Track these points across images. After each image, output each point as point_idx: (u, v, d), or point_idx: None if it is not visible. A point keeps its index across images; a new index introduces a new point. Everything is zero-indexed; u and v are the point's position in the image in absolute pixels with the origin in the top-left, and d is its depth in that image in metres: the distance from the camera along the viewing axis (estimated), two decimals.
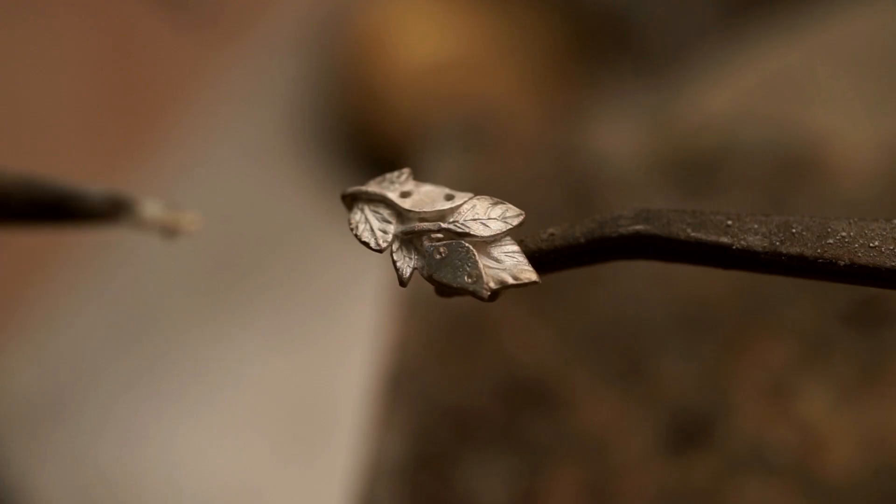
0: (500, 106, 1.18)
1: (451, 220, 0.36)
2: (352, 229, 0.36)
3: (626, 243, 0.35)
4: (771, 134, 0.72)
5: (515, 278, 0.35)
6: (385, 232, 0.36)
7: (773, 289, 0.65)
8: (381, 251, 0.36)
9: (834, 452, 0.60)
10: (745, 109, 0.80)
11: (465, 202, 0.36)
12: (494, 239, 0.35)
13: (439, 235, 0.36)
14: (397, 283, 0.36)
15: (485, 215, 0.36)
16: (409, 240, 0.36)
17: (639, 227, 0.35)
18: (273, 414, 1.15)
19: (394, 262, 0.36)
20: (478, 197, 0.36)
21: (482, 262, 0.35)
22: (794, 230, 0.35)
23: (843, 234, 0.34)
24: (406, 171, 0.37)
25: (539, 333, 0.66)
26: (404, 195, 0.36)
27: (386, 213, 0.36)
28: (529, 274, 0.35)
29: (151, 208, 0.32)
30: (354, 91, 1.29)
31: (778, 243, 0.34)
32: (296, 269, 1.22)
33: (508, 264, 0.35)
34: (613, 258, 0.36)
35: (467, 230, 0.35)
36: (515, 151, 0.75)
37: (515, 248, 0.35)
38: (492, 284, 0.35)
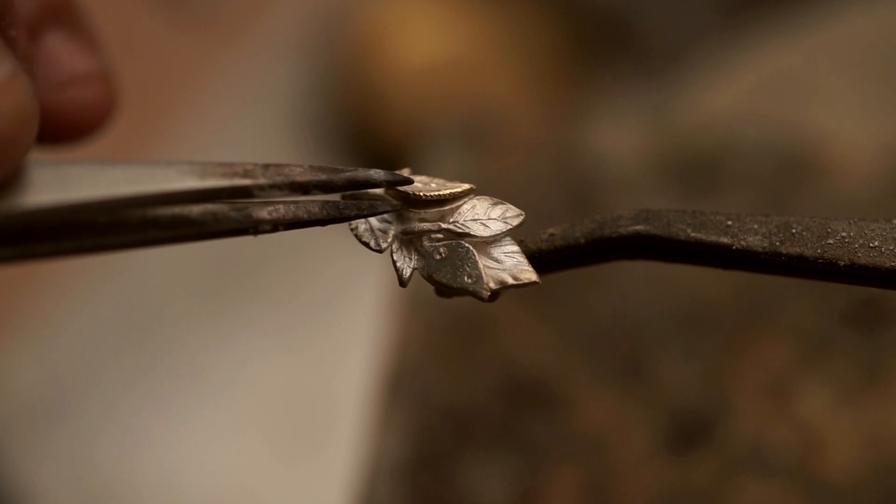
0: (500, 106, 1.18)
1: (451, 220, 0.36)
2: (352, 229, 0.36)
3: (626, 243, 0.35)
4: (771, 134, 0.72)
5: (515, 278, 0.35)
6: (385, 232, 0.36)
7: (773, 289, 0.65)
8: (381, 251, 0.36)
9: (834, 452, 0.60)
10: (745, 109, 0.80)
11: (465, 202, 0.36)
12: (494, 239, 0.35)
13: (439, 235, 0.36)
14: (397, 283, 0.36)
15: (485, 215, 0.36)
16: (409, 240, 0.36)
17: (639, 228, 0.35)
18: (273, 414, 1.15)
19: (394, 263, 0.36)
20: (478, 197, 0.36)
21: (482, 262, 0.35)
22: (794, 230, 0.35)
23: (843, 234, 0.34)
24: (405, 170, 0.37)
25: (539, 333, 0.66)
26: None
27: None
28: (529, 274, 0.35)
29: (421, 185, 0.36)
30: (354, 91, 1.29)
31: (778, 243, 0.34)
32: (296, 270, 1.22)
33: (508, 264, 0.35)
34: (613, 258, 0.36)
35: (467, 230, 0.35)
36: (515, 151, 0.75)
37: (515, 248, 0.35)
38: (492, 285, 0.35)
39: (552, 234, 0.36)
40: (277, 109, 1.34)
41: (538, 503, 0.60)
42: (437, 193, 0.35)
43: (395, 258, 0.36)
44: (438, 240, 0.35)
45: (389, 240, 0.36)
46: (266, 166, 0.34)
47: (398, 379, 0.65)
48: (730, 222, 0.35)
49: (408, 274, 0.36)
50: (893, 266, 0.34)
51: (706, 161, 0.72)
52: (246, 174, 0.34)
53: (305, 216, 0.34)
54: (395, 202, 0.36)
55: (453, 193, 0.36)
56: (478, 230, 0.35)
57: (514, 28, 1.28)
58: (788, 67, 0.83)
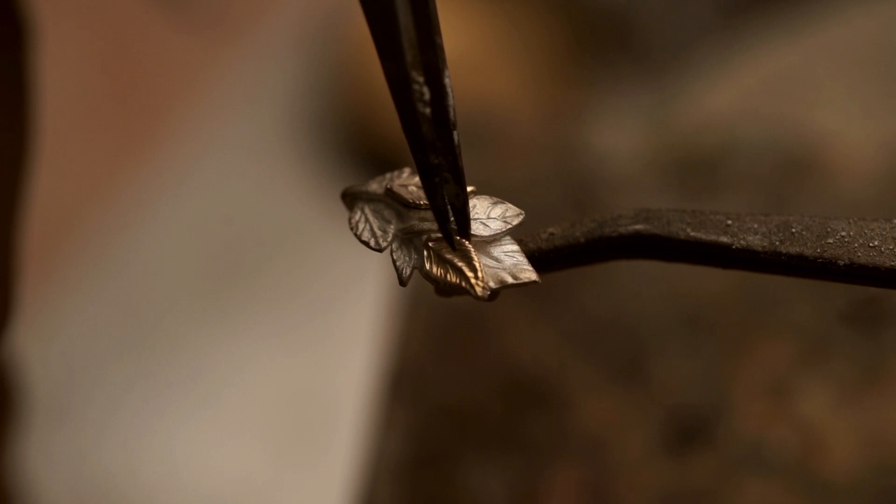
0: (500, 106, 1.18)
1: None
2: (352, 229, 0.36)
3: (625, 243, 0.35)
4: (771, 134, 0.72)
5: (515, 277, 0.35)
6: (385, 231, 0.36)
7: (773, 289, 0.65)
8: (380, 251, 0.36)
9: (834, 452, 0.60)
10: (746, 109, 0.80)
11: None
12: (494, 238, 0.35)
13: (439, 234, 0.35)
14: (397, 282, 0.36)
15: (485, 215, 0.36)
16: (408, 239, 0.36)
17: (638, 227, 0.35)
18: (274, 414, 1.15)
19: (394, 262, 0.36)
20: (478, 196, 0.36)
21: (482, 261, 0.35)
22: (793, 230, 0.35)
23: (843, 233, 0.34)
24: (406, 170, 0.37)
25: (539, 333, 0.66)
26: None
27: (386, 212, 0.36)
28: (529, 273, 0.35)
29: None
30: (354, 91, 1.29)
31: (778, 243, 0.34)
32: (296, 270, 1.22)
33: (508, 263, 0.35)
34: (613, 258, 0.36)
35: None
36: (515, 151, 0.75)
37: (515, 247, 0.35)
38: (491, 283, 0.35)
39: (552, 234, 0.36)
40: (278, 110, 1.34)
41: (538, 503, 0.60)
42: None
43: (394, 257, 0.36)
44: (438, 239, 0.35)
45: (389, 239, 0.36)
46: None
47: (398, 378, 0.65)
48: (729, 222, 0.35)
49: (408, 273, 0.36)
50: (893, 265, 0.34)
51: (706, 161, 0.72)
52: None
53: None
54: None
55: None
56: (477, 229, 0.35)
57: (514, 28, 1.28)
58: (788, 67, 0.83)
